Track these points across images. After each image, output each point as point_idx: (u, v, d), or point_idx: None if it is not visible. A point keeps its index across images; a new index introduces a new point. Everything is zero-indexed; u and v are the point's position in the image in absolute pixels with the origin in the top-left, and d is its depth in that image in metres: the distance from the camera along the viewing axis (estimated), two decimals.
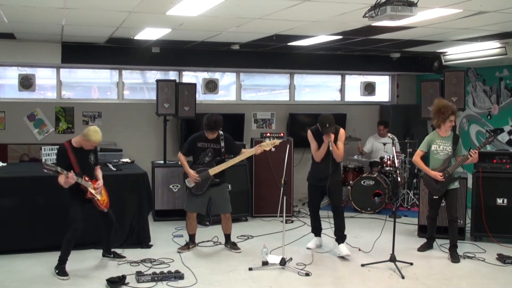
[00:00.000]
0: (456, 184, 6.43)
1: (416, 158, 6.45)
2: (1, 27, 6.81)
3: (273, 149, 6.68)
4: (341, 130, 6.42)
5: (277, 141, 6.49)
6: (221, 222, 6.67)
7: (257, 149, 6.40)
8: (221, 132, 6.41)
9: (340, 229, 6.44)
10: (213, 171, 6.31)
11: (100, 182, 5.75)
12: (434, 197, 6.44)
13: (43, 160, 5.49)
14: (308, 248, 6.66)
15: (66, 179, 5.37)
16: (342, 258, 6.30)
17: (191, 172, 6.31)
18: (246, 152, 6.53)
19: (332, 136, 6.22)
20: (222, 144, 6.40)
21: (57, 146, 5.74)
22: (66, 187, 5.46)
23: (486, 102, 9.10)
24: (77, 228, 5.56)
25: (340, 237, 6.45)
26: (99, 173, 5.89)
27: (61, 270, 5.53)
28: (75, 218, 5.57)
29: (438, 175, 6.25)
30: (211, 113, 6.38)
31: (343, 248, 6.39)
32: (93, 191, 5.60)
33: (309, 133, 6.49)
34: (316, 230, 6.79)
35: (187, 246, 6.56)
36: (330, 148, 6.19)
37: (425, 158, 6.54)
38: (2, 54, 8.29)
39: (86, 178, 5.59)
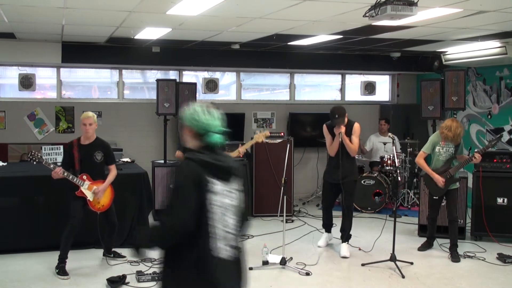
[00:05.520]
0: (457, 184, 6.44)
1: (419, 160, 6.46)
2: (1, 26, 6.81)
3: (265, 141, 6.62)
4: (356, 124, 6.45)
5: (267, 132, 6.47)
6: None
7: (240, 150, 6.39)
8: None
9: (344, 229, 6.52)
10: None
11: (101, 186, 5.69)
12: (434, 197, 6.45)
13: (34, 153, 5.52)
14: (319, 247, 6.71)
15: (52, 172, 5.47)
16: (343, 257, 6.33)
17: None
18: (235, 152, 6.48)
19: (343, 128, 6.27)
20: None
21: (57, 146, 5.81)
22: (54, 178, 5.54)
23: (486, 101, 9.10)
24: (74, 224, 5.57)
25: (344, 236, 6.53)
26: (111, 173, 5.85)
27: (61, 269, 5.53)
28: (73, 214, 5.59)
29: (440, 181, 6.25)
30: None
31: (343, 248, 6.45)
32: (84, 191, 5.60)
33: (324, 128, 6.57)
34: (327, 226, 6.83)
35: None
36: (340, 139, 6.26)
37: (426, 157, 6.55)
38: (2, 53, 8.29)
39: (84, 177, 5.59)
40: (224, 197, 2.80)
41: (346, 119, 6.37)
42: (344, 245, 6.48)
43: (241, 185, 2.95)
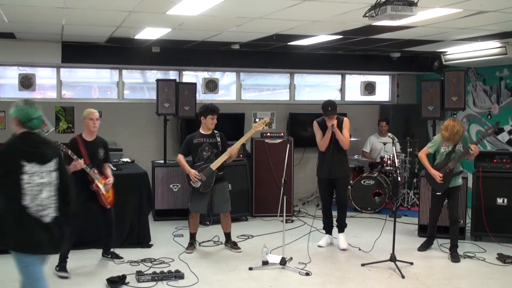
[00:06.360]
0: (459, 181, 6.42)
1: (421, 155, 6.50)
2: (1, 26, 6.81)
3: (265, 127, 6.71)
4: (345, 118, 6.63)
5: (267, 119, 6.63)
6: (221, 221, 6.68)
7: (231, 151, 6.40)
8: (215, 131, 6.49)
9: (339, 220, 6.70)
10: (214, 165, 6.32)
11: (111, 179, 5.82)
12: (437, 193, 6.44)
13: (60, 144, 5.52)
14: (319, 246, 6.73)
15: (74, 163, 5.43)
16: (343, 253, 6.35)
17: (192, 171, 6.31)
18: (235, 145, 6.46)
19: (335, 120, 6.40)
20: (218, 139, 6.47)
21: None
22: (71, 171, 5.45)
23: (486, 101, 9.10)
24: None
25: (340, 226, 6.70)
26: (108, 170, 5.96)
27: (62, 267, 5.53)
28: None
29: (437, 176, 6.25)
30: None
31: (341, 240, 6.63)
32: (99, 185, 5.66)
33: (314, 124, 6.67)
34: (328, 227, 6.86)
35: (193, 246, 6.57)
36: (333, 130, 6.36)
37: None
38: (2, 53, 8.29)
39: (96, 171, 5.65)
40: (38, 176, 3.59)
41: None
42: (342, 236, 6.65)
43: (57, 164, 3.73)
